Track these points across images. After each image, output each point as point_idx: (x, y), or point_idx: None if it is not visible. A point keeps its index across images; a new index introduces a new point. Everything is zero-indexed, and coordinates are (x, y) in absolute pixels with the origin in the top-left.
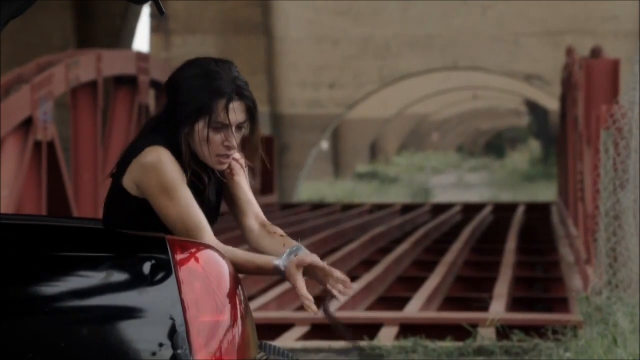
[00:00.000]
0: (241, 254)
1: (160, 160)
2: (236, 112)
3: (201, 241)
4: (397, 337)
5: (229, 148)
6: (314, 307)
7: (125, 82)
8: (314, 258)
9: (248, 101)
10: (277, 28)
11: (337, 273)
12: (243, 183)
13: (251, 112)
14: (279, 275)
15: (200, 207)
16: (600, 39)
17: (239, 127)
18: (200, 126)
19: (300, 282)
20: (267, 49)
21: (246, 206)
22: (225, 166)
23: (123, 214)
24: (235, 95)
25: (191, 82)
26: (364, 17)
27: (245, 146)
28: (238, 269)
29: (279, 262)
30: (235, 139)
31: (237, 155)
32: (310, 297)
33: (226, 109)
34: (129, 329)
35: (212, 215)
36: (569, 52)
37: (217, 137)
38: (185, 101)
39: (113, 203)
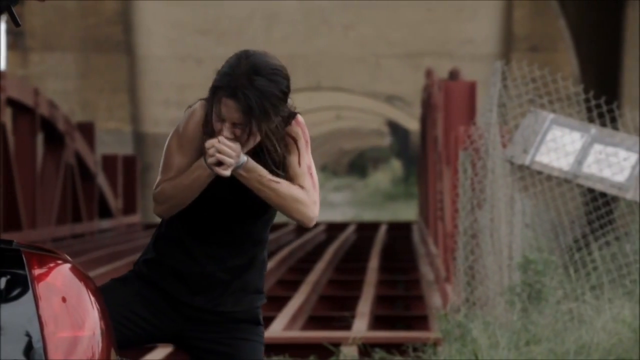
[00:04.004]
0: (177, 181)
1: (188, 113)
2: (230, 110)
3: (158, 179)
4: None
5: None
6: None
7: None
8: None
9: (242, 103)
10: (140, 46)
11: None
12: (290, 159)
13: (248, 116)
14: (208, 169)
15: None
16: (458, 61)
17: (237, 125)
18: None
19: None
20: (129, 67)
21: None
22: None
23: None
24: (229, 92)
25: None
26: (228, 37)
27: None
28: (188, 194)
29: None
30: (228, 134)
31: (295, 129)
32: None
33: (219, 102)
34: None
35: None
36: (428, 74)
37: (217, 125)
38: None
39: None
